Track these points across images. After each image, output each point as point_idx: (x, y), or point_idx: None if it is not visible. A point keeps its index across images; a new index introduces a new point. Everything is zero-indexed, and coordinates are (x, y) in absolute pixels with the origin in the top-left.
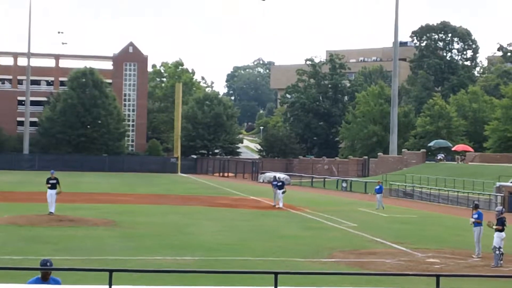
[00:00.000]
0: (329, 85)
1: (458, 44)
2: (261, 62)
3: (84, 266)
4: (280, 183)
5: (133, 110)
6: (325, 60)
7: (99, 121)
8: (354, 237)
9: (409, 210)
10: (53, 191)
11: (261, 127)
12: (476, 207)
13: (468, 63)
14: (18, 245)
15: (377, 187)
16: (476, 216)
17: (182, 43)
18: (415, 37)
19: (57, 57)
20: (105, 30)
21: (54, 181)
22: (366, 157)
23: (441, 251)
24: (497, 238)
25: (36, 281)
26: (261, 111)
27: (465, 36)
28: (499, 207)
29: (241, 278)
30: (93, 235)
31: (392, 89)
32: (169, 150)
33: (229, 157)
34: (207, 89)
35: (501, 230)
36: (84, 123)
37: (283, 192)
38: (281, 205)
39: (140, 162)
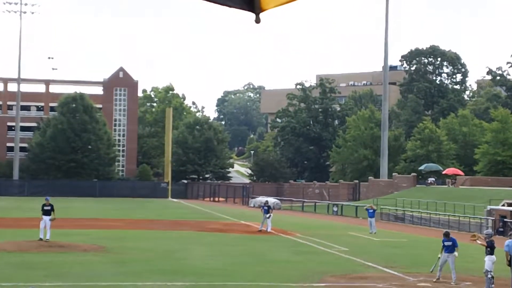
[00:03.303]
0: (320, 109)
1: (447, 68)
2: (251, 86)
3: None
4: (267, 207)
5: (123, 135)
6: (315, 84)
7: (89, 146)
8: (345, 261)
9: (400, 234)
10: (47, 218)
11: (252, 152)
12: (447, 235)
13: (457, 86)
14: (7, 271)
15: (370, 210)
16: (450, 243)
17: (173, 68)
18: (404, 61)
19: (47, 82)
20: (95, 55)
21: (49, 208)
22: (357, 181)
23: (433, 275)
24: (488, 262)
25: None
26: (252, 136)
27: (454, 60)
28: (489, 230)
29: None
30: (83, 261)
31: (382, 113)
32: (160, 175)
33: (219, 181)
34: (197, 114)
35: (491, 253)
36: (74, 148)
37: (269, 217)
38: (269, 229)
39: (130, 187)
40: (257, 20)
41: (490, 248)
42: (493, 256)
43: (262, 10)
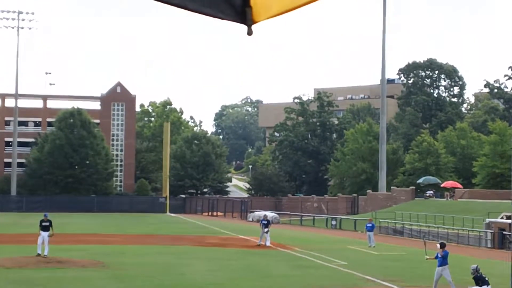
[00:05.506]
0: (318, 123)
1: (445, 81)
2: (249, 100)
3: None
4: (266, 222)
5: (121, 150)
6: (313, 98)
7: (87, 162)
8: (344, 275)
9: (399, 247)
10: (46, 233)
11: (250, 166)
12: (443, 246)
13: (455, 99)
14: None
15: (369, 224)
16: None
17: (170, 82)
18: (402, 75)
19: (44, 97)
20: (92, 70)
21: (47, 223)
22: (355, 194)
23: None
24: None
25: None
26: (250, 150)
27: (451, 73)
28: (473, 266)
29: None
30: (82, 277)
31: (380, 127)
32: (158, 190)
33: (218, 196)
34: (195, 128)
35: (487, 284)
36: (72, 163)
37: (267, 231)
38: (268, 243)
39: (128, 202)
40: (249, 32)
41: (481, 282)
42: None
43: (254, 22)
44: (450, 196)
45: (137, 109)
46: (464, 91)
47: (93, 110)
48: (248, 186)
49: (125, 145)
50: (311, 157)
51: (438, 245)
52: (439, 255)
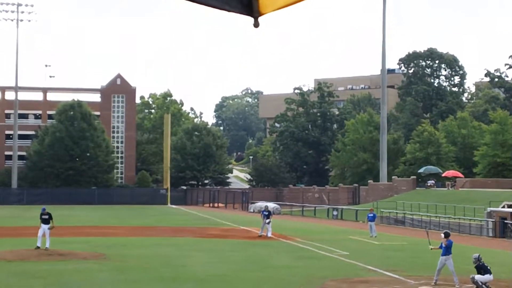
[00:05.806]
0: (318, 114)
1: (445, 70)
2: (249, 91)
3: None
4: (267, 213)
5: (121, 142)
6: (313, 89)
7: (88, 154)
8: (346, 265)
9: (401, 237)
10: (46, 226)
11: (251, 157)
12: (447, 235)
13: (456, 89)
14: (8, 281)
15: (370, 214)
16: (447, 245)
17: (170, 74)
18: (402, 64)
19: (44, 90)
20: (92, 62)
21: (47, 216)
22: (356, 184)
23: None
24: (483, 277)
25: None
26: (250, 141)
27: (452, 63)
28: (475, 254)
29: None
30: (83, 269)
31: (381, 117)
32: (159, 182)
33: (219, 187)
34: (195, 120)
35: (489, 273)
36: (72, 156)
37: (268, 222)
38: (269, 234)
39: (129, 194)
40: (256, 24)
41: (484, 270)
42: (491, 276)
43: (260, 14)
44: (451, 185)
45: (137, 101)
46: (464, 81)
47: (93, 102)
48: (249, 177)
49: (125, 137)
50: (311, 148)
51: (443, 235)
52: (443, 245)
